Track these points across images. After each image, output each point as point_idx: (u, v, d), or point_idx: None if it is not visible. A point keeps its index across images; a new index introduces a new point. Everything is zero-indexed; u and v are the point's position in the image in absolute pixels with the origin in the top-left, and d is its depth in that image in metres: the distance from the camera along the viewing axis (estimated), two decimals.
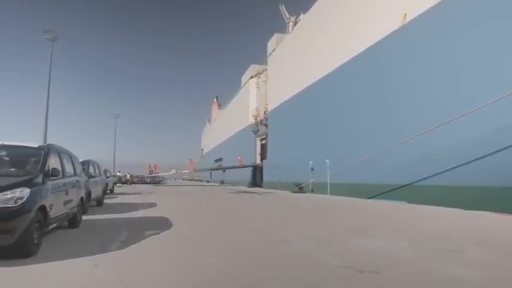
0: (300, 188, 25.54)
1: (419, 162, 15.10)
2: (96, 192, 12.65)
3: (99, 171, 15.01)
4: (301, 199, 19.08)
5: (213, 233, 7.40)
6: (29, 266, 4.43)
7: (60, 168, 6.44)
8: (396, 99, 17.43)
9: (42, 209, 5.30)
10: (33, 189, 5.04)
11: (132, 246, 5.70)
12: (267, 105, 40.82)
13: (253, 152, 45.55)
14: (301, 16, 34.19)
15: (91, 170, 12.95)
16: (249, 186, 39.82)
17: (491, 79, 12.44)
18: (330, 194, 21.03)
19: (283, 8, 39.23)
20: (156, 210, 11.80)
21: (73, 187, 7.29)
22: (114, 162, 51.77)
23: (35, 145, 6.49)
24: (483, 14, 13.02)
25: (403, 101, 16.86)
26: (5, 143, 6.30)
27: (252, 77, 48.99)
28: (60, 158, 6.78)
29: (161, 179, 59.05)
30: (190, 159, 61.20)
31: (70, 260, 4.77)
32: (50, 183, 5.72)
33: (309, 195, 22.92)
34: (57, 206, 6.02)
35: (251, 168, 44.22)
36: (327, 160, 21.32)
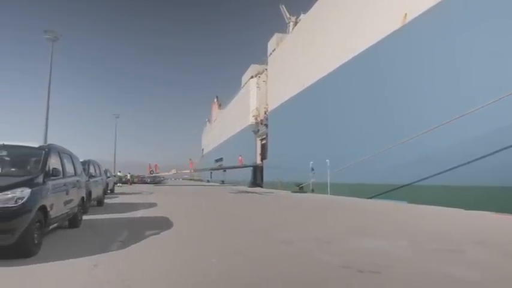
0: (301, 188, 25.54)
1: (419, 162, 15.10)
2: (96, 192, 12.66)
3: (100, 171, 15.01)
4: (302, 199, 19.08)
5: (213, 233, 7.40)
6: (29, 266, 4.44)
7: (60, 168, 6.44)
8: (396, 99, 17.42)
9: (43, 209, 5.30)
10: (33, 189, 5.04)
11: (132, 246, 5.71)
12: (267, 105, 40.82)
13: (254, 152, 45.54)
14: (302, 16, 34.18)
15: (91, 170, 12.95)
16: (249, 186, 39.83)
17: (492, 79, 12.44)
18: (331, 194, 21.03)
19: (284, 8, 39.23)
20: (156, 210, 11.81)
21: (73, 187, 7.30)
22: (114, 162, 51.88)
23: (36, 145, 6.49)
24: (483, 14, 13.01)
25: (404, 101, 16.86)
26: (6, 143, 6.30)
27: (252, 77, 48.99)
28: (60, 158, 6.79)
29: (161, 179, 59.08)
30: (190, 159, 61.29)
31: (70, 260, 4.78)
32: (50, 183, 5.73)
33: (309, 195, 22.92)
34: (57, 206, 6.02)
35: (251, 168, 44.22)
36: (327, 160, 21.32)
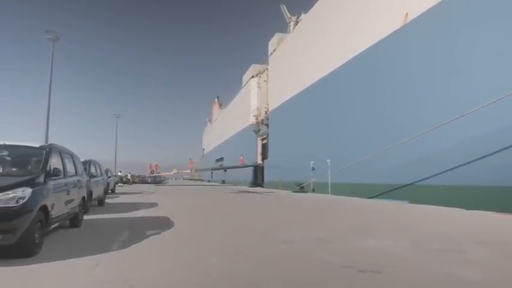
0: (301, 188, 25.54)
1: (420, 162, 15.09)
2: (97, 192, 12.66)
3: (101, 171, 15.02)
4: (302, 199, 19.08)
5: (214, 233, 7.40)
6: (30, 265, 4.44)
7: (61, 168, 6.45)
8: (397, 99, 17.41)
9: (44, 208, 5.31)
10: (34, 189, 5.04)
11: (133, 246, 5.71)
12: (268, 104, 40.83)
13: (255, 152, 45.56)
14: (302, 16, 34.19)
15: (92, 170, 12.96)
16: (250, 186, 39.85)
17: (492, 79, 12.43)
18: (331, 194, 21.02)
19: (284, 7, 39.23)
20: (157, 210, 11.82)
21: (74, 187, 7.31)
22: (115, 162, 51.96)
23: (37, 145, 6.49)
24: (484, 14, 13.00)
25: (404, 100, 16.85)
26: (7, 142, 6.31)
27: (253, 77, 49.00)
28: (61, 157, 6.79)
29: (162, 178, 59.11)
30: (190, 159, 61.29)
31: (71, 259, 4.79)
32: (51, 183, 5.73)
33: (310, 195, 22.92)
34: (58, 205, 6.03)
35: (252, 168, 44.23)
36: (328, 160, 21.32)
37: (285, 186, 29.41)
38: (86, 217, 8.73)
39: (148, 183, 48.51)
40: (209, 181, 76.66)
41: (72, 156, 7.84)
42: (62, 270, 4.31)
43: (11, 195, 4.70)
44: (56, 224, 6.22)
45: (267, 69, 43.14)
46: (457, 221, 9.61)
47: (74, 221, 7.59)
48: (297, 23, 36.13)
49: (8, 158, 6.34)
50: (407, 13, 16.92)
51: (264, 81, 44.33)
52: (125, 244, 5.80)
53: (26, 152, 6.33)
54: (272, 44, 41.05)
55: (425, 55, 15.71)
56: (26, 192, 4.86)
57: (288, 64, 33.98)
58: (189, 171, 65.27)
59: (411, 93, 16.43)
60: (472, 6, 13.60)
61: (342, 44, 23.01)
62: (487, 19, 12.87)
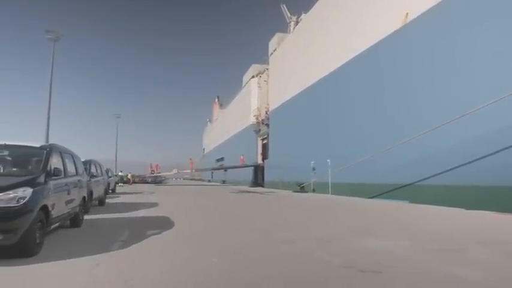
0: (302, 188, 25.54)
1: (420, 162, 15.09)
2: (98, 191, 12.66)
3: (101, 170, 15.02)
4: (303, 199, 19.08)
5: (214, 233, 7.41)
6: (31, 265, 4.45)
7: (62, 168, 6.45)
8: (397, 99, 17.41)
9: (44, 208, 5.31)
10: (35, 188, 5.05)
11: (133, 245, 5.72)
12: (268, 104, 40.83)
13: (255, 152, 45.57)
14: (303, 16, 34.20)
15: (93, 170, 12.96)
16: (250, 186, 39.86)
17: (492, 79, 12.43)
18: (332, 194, 21.02)
19: (285, 7, 39.25)
20: (157, 210, 11.82)
21: (75, 187, 7.32)
22: (116, 161, 52.00)
23: (37, 145, 6.50)
24: (484, 14, 12.99)
25: (405, 100, 16.85)
26: (7, 142, 6.32)
27: (253, 77, 49.01)
28: (62, 157, 6.79)
29: (163, 178, 59.12)
30: (190, 159, 61.20)
31: (72, 259, 4.79)
32: (52, 183, 5.73)
33: (310, 194, 22.92)
34: (59, 205, 6.03)
35: (252, 167, 44.23)
36: (328, 160, 21.31)
37: (286, 186, 29.41)
38: (86, 217, 8.73)
39: (148, 183, 48.54)
40: (209, 181, 76.66)
41: (73, 156, 7.85)
42: (63, 270, 4.32)
43: (11, 195, 4.71)
44: (57, 224, 6.23)
45: (267, 69, 43.15)
46: (458, 221, 9.61)
47: (74, 220, 7.60)
48: (297, 23, 36.14)
49: (9, 158, 6.35)
50: (407, 13, 16.92)
51: (265, 81, 44.34)
52: (125, 244, 5.80)
53: (27, 152, 6.33)
54: (272, 44, 41.06)
55: (426, 55, 15.71)
56: (26, 192, 4.87)
57: (289, 64, 33.98)
58: (190, 171, 65.26)
59: (411, 93, 16.43)
60: (472, 6, 13.59)
61: (342, 44, 23.01)
62: (487, 19, 12.86)
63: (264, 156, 41.96)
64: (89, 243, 5.93)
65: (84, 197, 8.34)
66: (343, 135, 22.11)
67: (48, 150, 6.24)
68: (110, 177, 21.26)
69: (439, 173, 14.23)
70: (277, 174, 33.20)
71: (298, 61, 31.10)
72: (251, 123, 47.11)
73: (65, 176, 6.69)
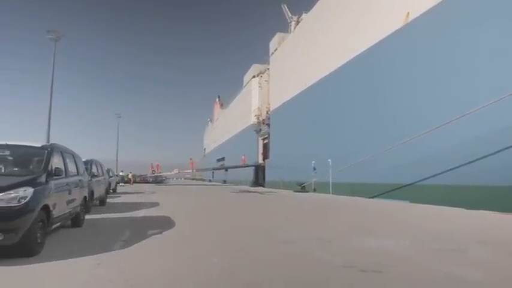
0: (302, 188, 25.54)
1: (421, 162, 15.09)
2: (99, 191, 12.68)
3: (102, 170, 15.04)
4: (304, 198, 19.08)
5: (215, 233, 7.41)
6: (32, 265, 4.46)
7: (63, 168, 6.46)
8: (398, 99, 17.41)
9: (45, 208, 5.32)
10: (36, 188, 5.06)
11: (134, 245, 5.73)
12: (269, 104, 40.82)
13: (256, 152, 45.56)
14: (304, 15, 34.19)
15: (94, 170, 12.98)
16: (251, 186, 39.85)
17: (493, 79, 12.42)
18: (332, 194, 21.01)
19: (286, 7, 39.26)
20: (158, 210, 11.83)
21: (76, 186, 7.33)
22: (116, 161, 52.01)
23: (38, 145, 6.50)
24: (485, 14, 12.99)
25: (405, 100, 16.84)
26: (8, 142, 6.33)
27: (254, 77, 49.00)
28: (63, 157, 6.80)
29: (163, 178, 59.10)
30: (190, 159, 61.12)
31: (73, 259, 4.80)
32: (53, 183, 5.74)
33: (311, 194, 22.92)
34: (60, 205, 6.04)
35: (253, 167, 44.23)
36: (329, 160, 21.30)
37: (286, 186, 29.41)
38: (87, 217, 8.74)
39: (149, 182, 48.57)
40: (210, 181, 76.66)
41: (74, 156, 7.86)
42: (64, 269, 4.33)
43: (12, 195, 4.72)
44: (58, 224, 6.24)
45: (268, 69, 43.15)
46: (458, 220, 9.61)
47: (75, 220, 7.61)
48: (298, 22, 36.13)
49: (10, 158, 6.36)
50: (408, 12, 16.91)
51: (265, 81, 44.34)
52: (126, 244, 5.81)
53: (28, 152, 6.34)
54: (273, 43, 41.07)
55: (426, 55, 15.70)
56: (27, 192, 4.88)
57: (289, 64, 33.98)
58: (190, 171, 65.29)
59: (412, 93, 16.42)
60: (472, 6, 13.58)
61: (343, 44, 23.00)
62: (487, 19, 12.85)
63: (265, 156, 41.96)
64: (90, 243, 5.94)
65: (85, 197, 8.35)
66: (344, 135, 22.10)
67: (49, 150, 6.25)
68: (111, 177, 21.28)
69: (440, 173, 14.22)
70: (278, 174, 33.20)
71: (299, 61, 31.09)
72: (252, 123, 47.11)
73: (66, 175, 6.70)
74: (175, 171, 58.38)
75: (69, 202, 6.70)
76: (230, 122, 63.94)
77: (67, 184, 6.64)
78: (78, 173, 7.78)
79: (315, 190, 24.08)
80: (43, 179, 5.46)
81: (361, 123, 20.37)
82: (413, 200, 14.86)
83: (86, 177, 8.73)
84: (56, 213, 5.78)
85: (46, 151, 6.16)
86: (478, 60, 13.15)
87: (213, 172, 73.81)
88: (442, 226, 8.49)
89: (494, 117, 11.98)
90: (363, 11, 21.12)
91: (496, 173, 11.76)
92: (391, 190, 17.00)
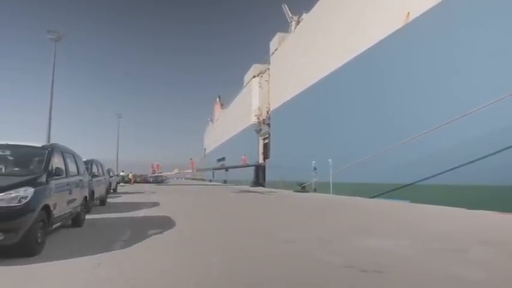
0: (303, 188, 25.53)
1: (421, 162, 15.08)
2: (99, 191, 12.69)
3: (103, 170, 15.05)
4: (304, 198, 19.08)
5: (216, 233, 7.41)
6: (32, 264, 4.46)
7: (63, 168, 6.47)
8: (398, 99, 17.40)
9: (46, 208, 5.33)
10: (37, 188, 5.06)
11: (135, 245, 5.73)
12: (269, 104, 40.82)
13: (256, 152, 45.56)
14: (304, 15, 34.17)
15: (94, 170, 12.98)
16: (251, 186, 39.83)
17: (493, 79, 12.42)
18: (333, 194, 21.00)
19: (286, 7, 39.26)
20: (158, 210, 11.84)
21: (76, 186, 7.33)
22: (117, 161, 52.05)
23: (39, 145, 6.51)
24: (485, 14, 12.98)
25: (405, 100, 16.84)
26: (9, 142, 6.33)
27: (254, 77, 48.98)
28: (63, 157, 6.81)
29: (164, 178, 59.12)
30: (190, 159, 61.14)
31: (74, 259, 4.80)
32: (53, 183, 5.75)
33: (311, 194, 22.92)
34: (60, 205, 6.05)
35: (254, 167, 44.22)
36: (329, 159, 21.29)
37: (287, 185, 29.40)
38: (88, 216, 8.74)
39: (150, 182, 48.60)
40: (211, 181, 76.67)
41: (74, 156, 7.87)
42: (64, 269, 4.33)
43: (13, 195, 4.72)
44: (58, 224, 6.24)
45: (268, 68, 43.13)
46: (459, 220, 9.60)
47: (76, 220, 7.62)
48: (298, 22, 36.11)
49: (11, 158, 6.36)
50: (408, 12, 16.90)
51: (266, 80, 44.32)
52: (127, 243, 5.81)
53: (28, 152, 6.34)
54: (273, 43, 41.06)
55: (427, 55, 15.70)
56: (28, 191, 4.88)
57: (290, 64, 33.97)
58: (191, 171, 65.32)
59: (412, 93, 16.42)
60: (473, 6, 13.58)
61: (343, 44, 23.00)
62: (487, 19, 12.85)
63: (265, 156, 41.95)
64: (91, 243, 5.94)
65: (85, 197, 8.35)
66: (344, 134, 22.09)
67: (50, 150, 6.25)
68: (111, 177, 21.28)
69: (440, 173, 14.22)
70: (278, 174, 33.19)
71: (299, 61, 31.08)
72: (252, 123, 47.10)
73: (67, 175, 6.70)
74: (176, 171, 58.40)
75: (69, 202, 6.71)
76: (230, 122, 63.94)
77: (68, 184, 6.64)
78: (78, 173, 7.79)
79: (315, 190, 24.07)
80: (44, 179, 5.47)
81: (362, 123, 20.36)
82: (414, 200, 14.85)
83: (86, 177, 8.73)
84: (56, 213, 5.78)
85: (47, 151, 6.16)
86: (478, 60, 13.15)
87: (213, 172, 73.79)
88: (442, 226, 8.48)
89: (494, 117, 11.97)
90: (363, 11, 21.11)
91: (497, 173, 11.76)
92: (391, 190, 17.00)
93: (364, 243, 6.07)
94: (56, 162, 6.22)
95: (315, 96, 26.80)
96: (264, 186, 37.94)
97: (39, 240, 5.09)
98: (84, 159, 9.72)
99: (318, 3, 28.64)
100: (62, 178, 6.25)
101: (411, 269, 4.44)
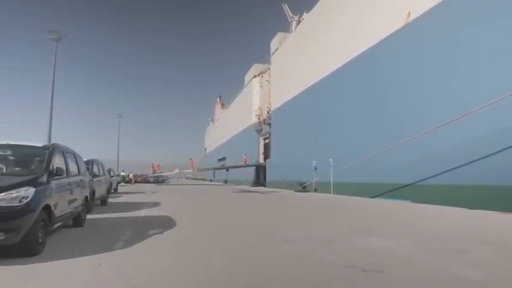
0: (304, 187, 25.53)
1: (421, 162, 15.08)
2: (100, 191, 12.70)
3: (103, 170, 15.06)
4: (305, 198, 19.08)
5: (216, 233, 7.41)
6: (33, 264, 4.47)
7: (64, 168, 6.47)
8: (399, 99, 17.39)
9: (47, 208, 5.33)
10: (37, 188, 5.07)
11: (136, 245, 5.74)
12: (270, 104, 40.80)
13: (257, 151, 45.55)
14: (305, 15, 34.17)
15: (95, 169, 12.99)
16: (252, 186, 39.83)
17: (493, 79, 12.41)
18: (334, 194, 21.00)
19: (287, 7, 39.26)
20: (159, 210, 11.85)
21: (77, 186, 7.34)
22: (118, 161, 52.08)
23: (40, 144, 6.52)
24: (486, 14, 12.98)
25: (406, 100, 16.83)
26: (10, 142, 6.34)
27: (255, 76, 48.97)
28: (64, 157, 6.82)
29: (164, 178, 59.12)
30: (191, 159, 61.20)
31: (74, 258, 4.81)
32: (54, 183, 5.76)
33: (312, 194, 22.91)
34: (61, 205, 6.06)
35: (254, 167, 44.22)
36: (330, 159, 21.29)
37: (287, 185, 29.41)
38: (88, 216, 8.75)
39: (150, 182, 48.62)
40: (211, 180, 76.66)
41: (75, 156, 7.88)
42: (65, 269, 4.34)
43: (14, 195, 4.73)
44: (59, 224, 6.26)
45: (269, 68, 43.12)
46: (459, 220, 9.60)
47: (76, 220, 7.63)
48: (299, 22, 36.10)
49: (11, 158, 6.37)
50: (409, 12, 16.89)
51: (266, 80, 44.31)
52: (128, 243, 5.82)
53: (29, 152, 6.35)
54: (274, 43, 41.04)
55: (427, 55, 15.69)
56: (29, 191, 4.89)
57: (290, 63, 33.96)
58: (191, 171, 65.34)
59: (413, 92, 16.41)
60: (473, 6, 13.57)
61: (344, 43, 22.99)
62: (488, 19, 12.84)
63: (266, 155, 41.94)
64: (92, 243, 5.95)
65: (86, 197, 8.36)
66: (345, 134, 22.09)
67: (51, 150, 6.26)
68: (112, 176, 21.30)
69: (440, 173, 14.21)
70: (279, 174, 33.18)
71: (300, 60, 31.08)
72: (253, 122, 47.08)
73: (68, 175, 6.70)
74: (176, 171, 58.41)
75: (70, 202, 6.72)
76: (231, 121, 63.92)
77: (68, 184, 6.65)
78: (79, 173, 7.80)
79: (316, 190, 24.06)
80: (44, 178, 5.48)
81: (362, 123, 20.36)
82: (414, 199, 14.85)
83: (87, 177, 8.74)
84: (57, 212, 5.79)
85: (47, 151, 6.17)
86: (479, 60, 13.14)
87: (214, 172, 73.78)
88: (442, 226, 8.48)
89: (494, 117, 11.97)
90: (363, 10, 21.11)
91: (497, 173, 11.75)
92: (392, 190, 16.99)
93: (365, 243, 6.08)
94: (57, 162, 6.23)
95: (315, 96, 26.80)
96: (264, 186, 37.93)
97: (40, 240, 5.10)
98: (84, 159, 9.72)
99: (318, 3, 28.63)
100: (62, 178, 6.26)
101: (412, 269, 4.44)
